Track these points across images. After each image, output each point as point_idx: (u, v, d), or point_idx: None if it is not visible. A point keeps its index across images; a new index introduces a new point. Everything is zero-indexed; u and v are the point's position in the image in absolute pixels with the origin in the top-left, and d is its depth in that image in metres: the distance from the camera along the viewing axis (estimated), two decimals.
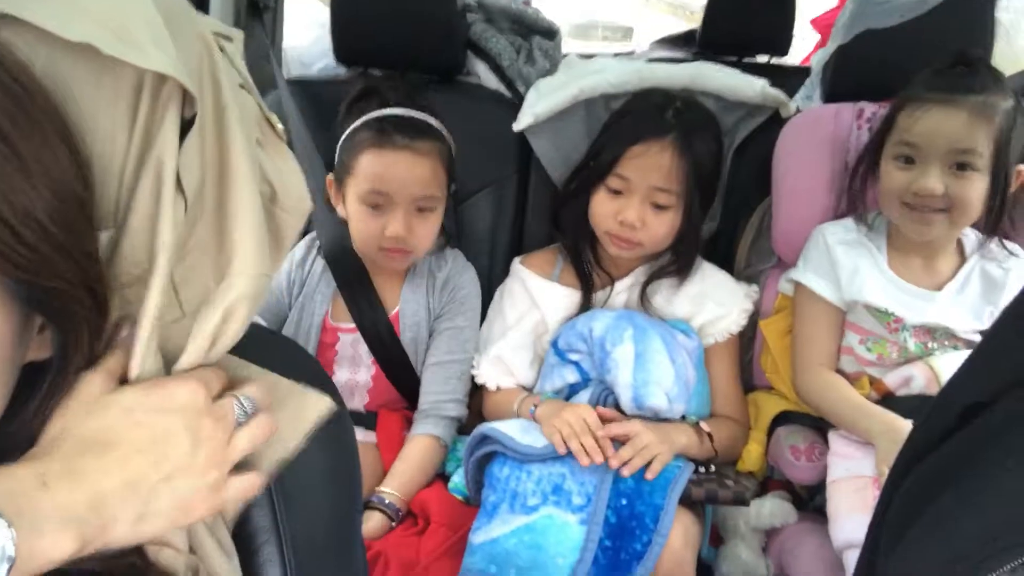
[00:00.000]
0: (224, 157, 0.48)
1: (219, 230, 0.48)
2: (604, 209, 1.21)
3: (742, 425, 1.23)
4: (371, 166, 1.18)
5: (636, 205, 1.18)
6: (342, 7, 1.47)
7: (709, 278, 1.27)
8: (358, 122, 1.21)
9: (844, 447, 1.11)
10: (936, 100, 1.08)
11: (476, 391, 1.32)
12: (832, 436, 1.13)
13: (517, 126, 1.40)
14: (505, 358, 1.25)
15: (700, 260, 1.28)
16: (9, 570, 0.34)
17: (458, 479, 1.18)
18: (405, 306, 1.28)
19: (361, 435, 1.26)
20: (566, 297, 1.27)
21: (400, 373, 1.27)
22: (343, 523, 0.63)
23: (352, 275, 1.27)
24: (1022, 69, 1.43)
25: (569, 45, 2.26)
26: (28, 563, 0.35)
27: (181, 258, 0.47)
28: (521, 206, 1.48)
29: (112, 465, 0.40)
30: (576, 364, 1.20)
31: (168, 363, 0.48)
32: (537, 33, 1.59)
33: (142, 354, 0.45)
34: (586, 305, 1.26)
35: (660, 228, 1.19)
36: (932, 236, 1.13)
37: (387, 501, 1.13)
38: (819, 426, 1.17)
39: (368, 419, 1.28)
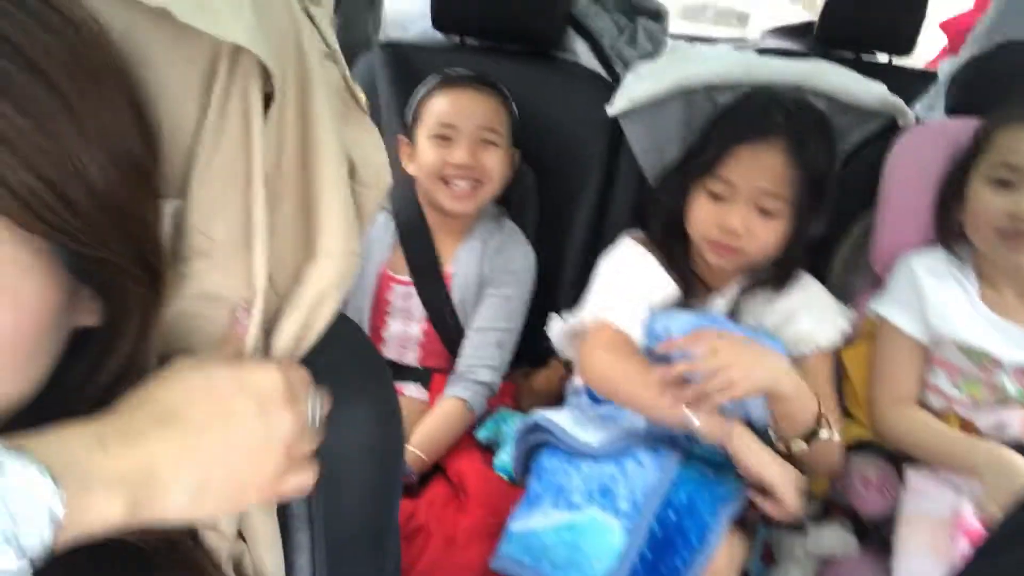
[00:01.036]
0: (307, 134, 0.47)
1: (305, 208, 0.48)
2: (705, 215, 1.11)
3: (839, 420, 1.10)
4: (438, 104, 1.28)
5: (741, 210, 1.08)
6: None
7: (807, 291, 1.17)
8: (427, 81, 1.31)
9: (922, 483, 1.04)
10: None
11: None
12: (909, 471, 1.06)
13: (612, 110, 1.35)
14: (634, 305, 1.13)
15: (800, 274, 1.18)
16: (55, 532, 0.33)
17: (506, 457, 1.17)
18: (457, 266, 1.32)
19: (416, 391, 1.30)
20: (668, 288, 1.17)
21: (449, 331, 1.31)
22: (380, 511, 0.62)
23: (414, 228, 1.32)
24: None
25: (677, 25, 2.17)
26: (76, 525, 0.34)
27: (272, 235, 0.46)
28: (604, 192, 1.43)
29: (175, 434, 0.39)
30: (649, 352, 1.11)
31: (263, 348, 0.47)
32: (644, 14, 1.53)
33: (254, 338, 0.45)
34: (683, 307, 1.18)
35: (766, 236, 1.09)
36: None
37: (410, 471, 1.14)
38: (894, 459, 1.10)
39: (423, 375, 1.31)
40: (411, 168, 1.29)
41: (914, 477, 1.06)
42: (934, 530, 0.99)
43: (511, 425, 1.24)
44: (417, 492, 1.16)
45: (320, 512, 0.56)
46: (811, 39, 2.15)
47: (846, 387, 1.20)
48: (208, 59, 0.41)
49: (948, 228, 1.13)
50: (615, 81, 1.44)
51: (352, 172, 0.52)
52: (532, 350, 1.44)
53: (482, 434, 1.25)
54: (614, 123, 1.38)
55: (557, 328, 1.23)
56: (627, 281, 1.17)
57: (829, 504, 1.18)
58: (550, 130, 1.43)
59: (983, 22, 1.25)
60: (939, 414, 1.11)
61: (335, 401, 0.60)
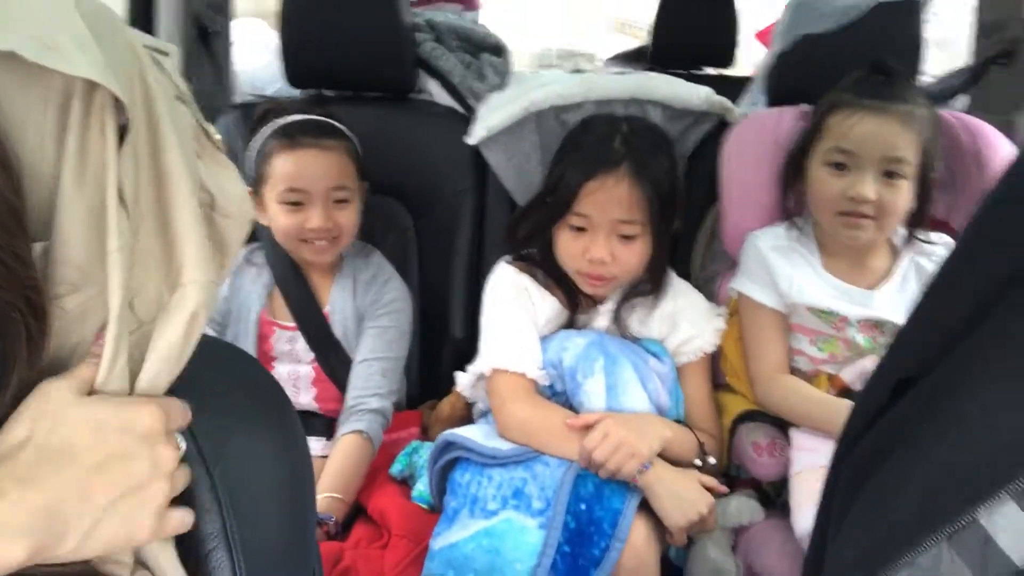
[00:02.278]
0: (160, 166, 0.49)
1: (164, 239, 0.49)
2: (571, 249, 1.17)
3: (717, 440, 1.23)
4: (284, 167, 1.25)
5: (602, 241, 1.14)
6: (290, 30, 1.48)
7: (682, 297, 1.26)
8: (266, 132, 1.28)
9: (806, 441, 1.13)
10: (869, 107, 1.12)
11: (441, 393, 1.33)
12: (793, 431, 1.15)
13: (471, 140, 1.42)
14: (526, 345, 1.18)
15: (672, 277, 1.27)
16: None
17: (423, 487, 1.18)
18: (333, 305, 1.34)
19: (318, 447, 1.29)
20: (552, 307, 1.23)
21: (337, 368, 1.32)
22: (296, 530, 0.62)
23: (289, 275, 1.33)
24: (938, 77, 1.49)
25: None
26: None
27: (130, 267, 0.48)
28: (480, 218, 1.49)
29: (71, 478, 0.40)
30: (550, 386, 1.18)
31: (131, 375, 0.48)
32: (485, 50, 1.62)
33: (110, 361, 0.45)
34: (571, 323, 1.24)
35: (631, 258, 1.16)
36: (863, 241, 1.16)
37: (331, 518, 1.13)
38: (780, 423, 1.19)
39: (323, 427, 1.31)
40: (263, 220, 1.30)
41: (798, 436, 1.15)
42: (820, 479, 1.06)
43: (423, 456, 1.25)
44: (342, 537, 1.16)
45: (237, 539, 0.57)
46: (646, 63, 2.33)
47: (725, 365, 1.29)
48: (62, 97, 0.43)
49: (789, 204, 1.25)
50: (470, 114, 1.51)
51: (213, 204, 0.54)
52: (435, 382, 1.47)
53: (396, 469, 1.26)
54: (476, 152, 1.45)
55: (464, 381, 1.27)
56: (512, 318, 1.21)
57: (732, 479, 1.26)
58: (417, 167, 1.48)
59: (782, 22, 1.40)
60: (809, 375, 1.21)
61: (240, 434, 0.61)
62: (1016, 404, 0.46)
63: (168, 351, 0.48)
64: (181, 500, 0.54)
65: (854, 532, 0.54)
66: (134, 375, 0.48)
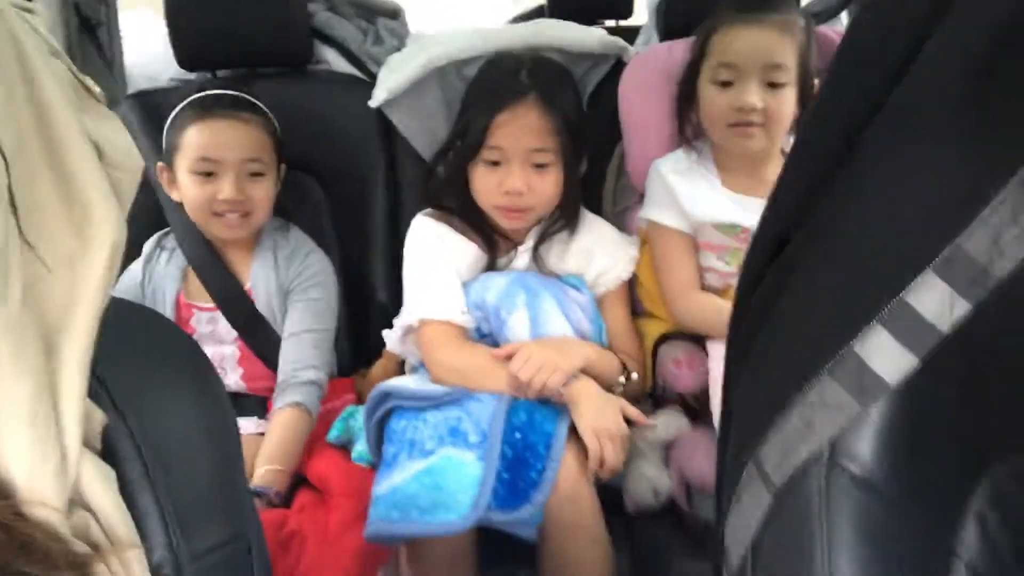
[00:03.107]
0: (45, 117, 0.50)
1: (61, 186, 0.50)
2: (486, 184, 1.20)
3: (639, 362, 1.28)
4: (197, 136, 1.24)
5: (517, 171, 1.17)
6: (176, 13, 1.45)
7: (595, 231, 1.31)
8: (180, 105, 1.26)
9: (722, 351, 1.17)
10: (746, 20, 1.17)
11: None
12: (710, 344, 1.21)
13: (373, 102, 1.42)
14: (449, 292, 1.19)
15: (585, 213, 1.31)
16: None
17: (361, 447, 1.19)
18: (255, 281, 1.33)
19: (252, 425, 1.28)
20: (471, 253, 1.25)
21: (264, 345, 1.31)
22: (223, 478, 0.63)
23: (204, 255, 1.31)
24: None
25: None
26: None
27: (24, 216, 0.48)
28: (392, 181, 1.50)
29: None
30: (476, 328, 1.21)
31: (48, 323, 0.49)
32: (381, 15, 1.62)
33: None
34: (491, 267, 1.26)
35: (546, 187, 1.19)
36: (755, 149, 1.21)
37: (271, 489, 1.14)
38: (698, 339, 1.24)
39: (256, 406, 1.30)
40: (175, 196, 1.28)
41: (715, 347, 1.21)
42: None
43: (359, 419, 1.25)
44: (286, 504, 1.16)
45: (162, 485, 0.57)
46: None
47: (641, 292, 1.34)
48: None
49: (688, 130, 1.30)
50: (372, 79, 1.50)
51: (101, 156, 0.55)
52: (364, 349, 1.47)
53: (333, 435, 1.26)
54: (381, 116, 1.45)
55: (392, 337, 1.29)
56: (434, 266, 1.23)
57: (658, 399, 1.31)
58: (323, 138, 1.48)
59: None
60: (720, 290, 1.27)
61: (156, 383, 0.62)
62: (872, 238, 0.50)
63: (93, 288, 0.49)
64: (103, 449, 0.54)
65: (751, 387, 0.58)
66: (51, 323, 0.49)
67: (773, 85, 1.16)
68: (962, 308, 0.47)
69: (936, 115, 0.47)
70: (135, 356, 0.61)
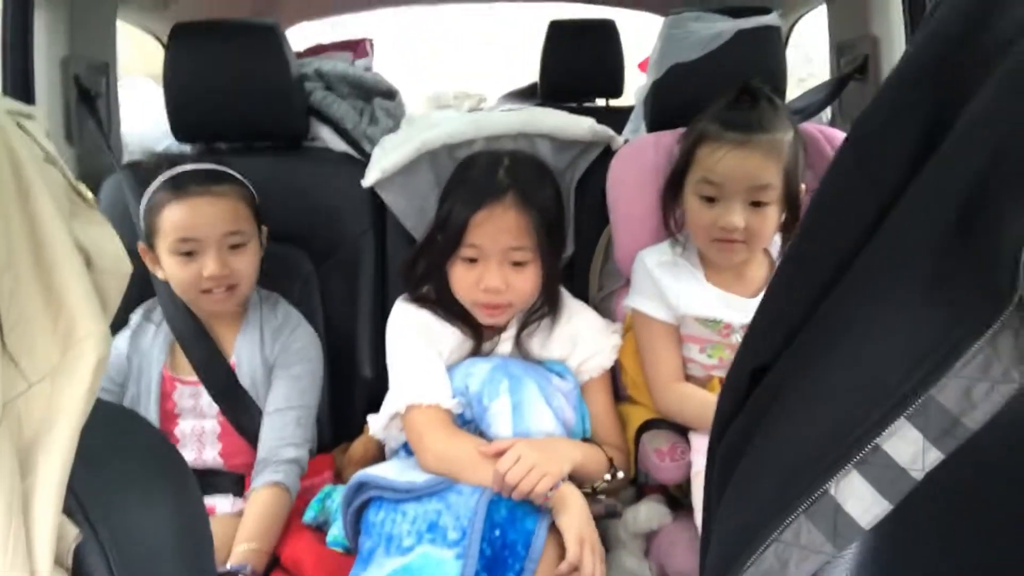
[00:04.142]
0: (35, 228, 0.51)
1: (48, 298, 0.51)
2: (465, 281, 1.21)
3: (623, 451, 1.28)
4: (174, 217, 1.23)
5: (495, 269, 1.18)
6: (175, 85, 1.48)
7: (577, 316, 1.31)
8: (154, 185, 1.26)
9: (704, 443, 1.16)
10: (733, 141, 1.19)
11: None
12: (692, 435, 1.21)
13: (366, 182, 1.45)
14: (435, 377, 1.20)
15: (567, 298, 1.32)
16: None
17: (337, 531, 1.17)
18: (239, 356, 1.32)
19: (227, 504, 1.26)
20: (454, 338, 1.26)
21: (245, 419, 1.30)
22: None
23: (189, 329, 1.30)
24: (802, 92, 1.61)
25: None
26: None
27: (9, 329, 0.48)
28: (381, 259, 1.51)
29: None
30: (460, 415, 1.20)
31: (25, 438, 0.48)
32: (378, 95, 1.65)
33: None
34: (475, 353, 1.26)
35: (525, 284, 1.20)
36: (737, 261, 1.24)
37: (247, 568, 1.11)
38: (680, 429, 1.24)
39: (232, 484, 1.28)
40: (160, 275, 1.28)
41: (697, 439, 1.21)
42: None
43: (336, 500, 1.24)
44: None
45: None
46: (538, 98, 2.42)
47: (625, 378, 1.34)
48: None
49: (672, 224, 1.32)
50: (366, 158, 1.53)
51: (90, 263, 0.55)
52: (346, 424, 1.46)
53: (309, 516, 1.24)
54: (374, 195, 1.47)
55: (377, 423, 1.26)
56: (419, 352, 1.23)
57: (640, 487, 1.30)
58: (315, 213, 1.49)
59: (655, 53, 1.49)
60: (703, 381, 1.27)
61: (127, 493, 0.61)
62: (849, 382, 0.51)
63: (75, 405, 0.49)
64: (73, 564, 0.54)
65: (728, 515, 0.58)
66: (29, 438, 0.49)
67: (757, 204, 1.19)
68: (934, 456, 0.47)
69: (913, 265, 0.49)
70: (110, 465, 0.61)
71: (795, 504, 0.51)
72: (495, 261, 1.19)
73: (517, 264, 1.19)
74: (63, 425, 0.50)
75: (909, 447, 0.48)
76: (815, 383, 0.53)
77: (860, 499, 0.49)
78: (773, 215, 1.20)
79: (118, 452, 0.63)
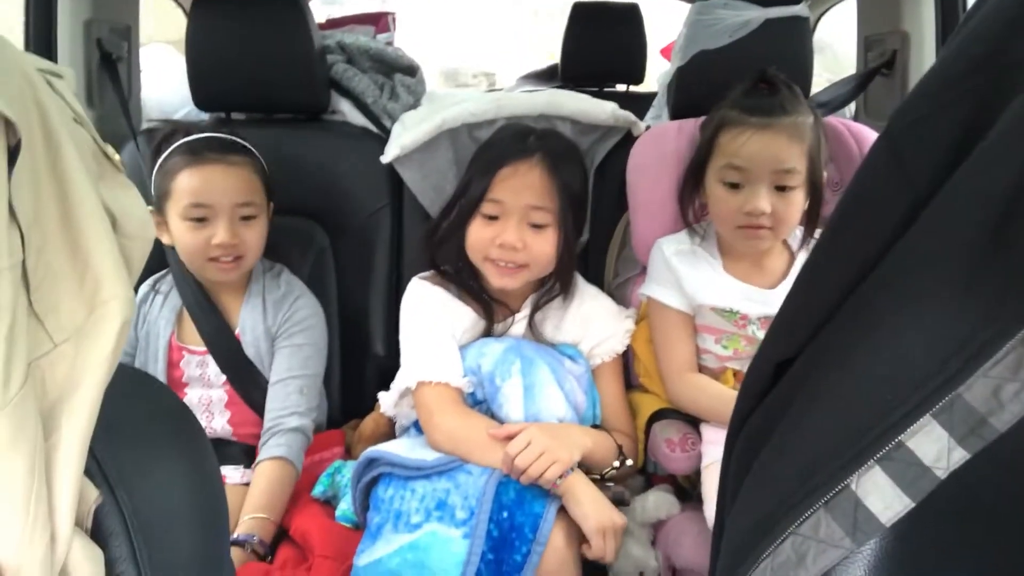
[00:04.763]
0: (64, 187, 0.50)
1: (74, 258, 0.51)
2: (482, 235, 1.20)
3: (632, 438, 1.28)
4: (188, 182, 1.23)
5: (514, 226, 1.18)
6: (197, 53, 1.47)
7: (590, 300, 1.31)
8: (169, 149, 1.26)
9: (715, 434, 1.17)
10: (756, 125, 1.18)
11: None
12: (704, 426, 1.20)
13: (385, 158, 1.44)
14: (447, 355, 1.20)
15: (580, 282, 1.32)
16: None
17: (346, 506, 1.17)
18: (244, 326, 1.33)
19: (236, 475, 1.27)
20: (468, 318, 1.26)
21: (251, 391, 1.31)
22: (209, 552, 0.62)
23: (197, 298, 1.31)
24: (828, 86, 1.59)
25: (439, 87, 2.34)
26: None
27: (35, 287, 0.48)
28: (397, 236, 1.51)
29: None
30: (471, 394, 1.20)
31: (49, 398, 0.49)
32: (399, 71, 1.64)
33: (1, 384, 0.45)
34: (488, 333, 1.26)
35: (541, 247, 1.19)
36: (763, 248, 1.23)
37: (254, 537, 1.12)
38: (691, 419, 1.24)
39: (241, 454, 1.29)
40: (166, 240, 1.28)
41: (708, 430, 1.20)
42: None
43: (346, 475, 1.24)
44: (269, 559, 1.14)
45: (147, 563, 0.57)
46: (557, 80, 2.40)
47: (638, 366, 1.34)
48: None
49: (692, 214, 1.31)
50: (385, 133, 1.52)
51: (115, 225, 0.55)
52: (357, 401, 1.47)
53: (319, 490, 1.25)
54: (391, 171, 1.46)
55: (388, 399, 1.28)
56: (432, 330, 1.23)
57: (649, 476, 1.30)
58: (332, 188, 1.49)
59: (680, 39, 1.47)
60: (716, 372, 1.27)
61: (146, 457, 0.62)
62: (875, 377, 0.50)
63: (99, 366, 0.50)
64: (93, 525, 0.54)
65: (745, 507, 0.58)
66: (55, 397, 0.49)
67: (782, 188, 1.17)
68: (959, 456, 0.47)
69: (947, 264, 0.48)
70: (129, 428, 0.61)
71: (815, 497, 0.51)
72: (515, 219, 1.18)
73: (536, 227, 1.19)
74: (87, 386, 0.50)
75: (934, 445, 0.47)
76: (840, 377, 0.52)
77: (882, 495, 0.49)
78: (798, 200, 1.19)
79: (136, 416, 0.63)
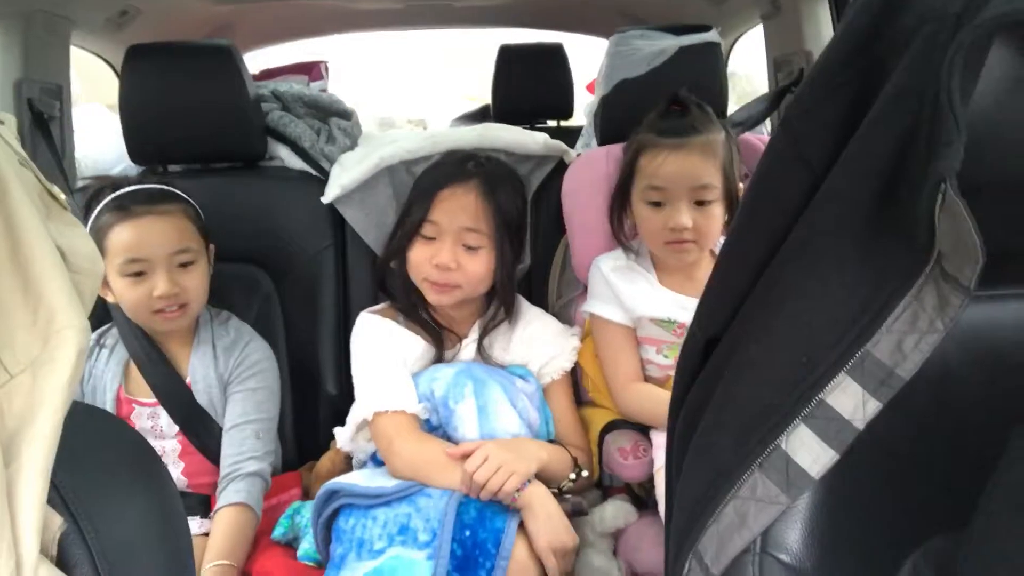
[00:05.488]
0: (12, 224, 0.52)
1: (26, 293, 0.52)
2: (419, 256, 1.25)
3: (586, 451, 1.31)
4: (121, 238, 1.23)
5: (448, 247, 1.23)
6: (131, 105, 1.48)
7: (536, 321, 1.35)
8: (97, 208, 1.26)
9: (665, 439, 1.21)
10: (670, 146, 1.25)
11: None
12: (653, 433, 1.24)
13: (325, 198, 1.47)
14: (400, 383, 1.22)
15: (523, 304, 1.36)
16: None
17: (308, 545, 1.17)
18: (194, 374, 1.32)
19: (195, 526, 1.26)
20: (418, 346, 1.28)
21: (205, 438, 1.30)
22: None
23: (144, 350, 1.30)
24: (743, 105, 1.69)
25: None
26: None
27: None
28: (342, 274, 1.53)
29: None
30: (427, 420, 1.22)
31: (8, 428, 0.50)
32: (334, 115, 1.68)
33: None
34: (438, 360, 1.29)
35: (475, 267, 1.24)
36: (690, 260, 1.29)
37: None
38: (642, 428, 1.28)
39: (198, 505, 1.28)
40: (109, 298, 1.27)
41: (658, 436, 1.24)
42: None
43: (305, 516, 1.24)
44: None
45: None
46: (490, 120, 2.47)
47: (586, 382, 1.38)
48: None
49: (622, 233, 1.37)
50: (324, 176, 1.55)
51: (64, 261, 0.57)
52: (311, 442, 1.46)
53: (279, 532, 1.24)
54: (332, 211, 1.49)
55: (344, 435, 1.29)
56: (383, 360, 1.25)
57: (606, 489, 1.33)
58: (274, 232, 1.51)
59: (602, 70, 1.55)
60: (661, 381, 1.31)
61: (108, 487, 0.62)
62: (792, 344, 0.55)
63: (57, 393, 0.51)
64: (59, 555, 0.55)
65: (689, 480, 0.62)
66: (8, 426, 0.50)
67: (701, 203, 1.24)
68: (873, 406, 0.51)
69: (843, 232, 0.53)
70: (89, 460, 0.62)
71: (750, 460, 0.55)
72: (450, 239, 1.23)
73: (470, 248, 1.24)
74: (46, 413, 0.52)
75: (850, 399, 0.52)
76: (761, 348, 0.57)
77: (809, 450, 0.53)
78: (718, 213, 1.25)
79: (96, 448, 0.64)
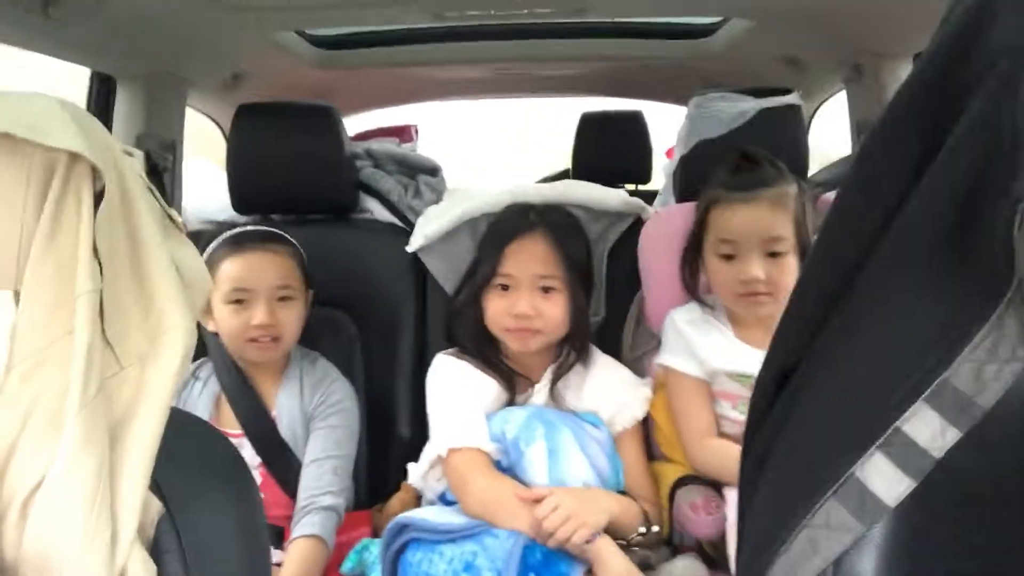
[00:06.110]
0: (134, 228, 0.58)
1: (140, 295, 0.58)
2: (497, 307, 1.29)
3: (656, 505, 1.29)
4: (230, 269, 1.33)
5: (525, 295, 1.26)
6: (239, 159, 1.60)
7: (609, 370, 1.36)
8: (215, 243, 1.36)
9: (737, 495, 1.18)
10: (740, 199, 1.27)
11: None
12: (727, 490, 1.22)
13: (410, 248, 1.53)
14: (475, 421, 1.24)
15: (596, 352, 1.37)
16: None
17: None
18: (280, 409, 1.37)
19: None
20: (492, 389, 1.31)
21: (285, 471, 1.34)
22: (256, 573, 0.66)
23: (235, 382, 1.36)
24: (827, 165, 1.69)
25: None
26: None
27: (110, 318, 0.55)
28: (421, 320, 1.58)
29: None
30: (497, 462, 1.24)
31: (114, 415, 0.54)
32: (422, 172, 1.76)
33: (80, 393, 0.51)
34: (510, 404, 1.31)
35: (553, 311, 1.27)
36: (765, 314, 1.28)
37: None
38: (715, 484, 1.25)
39: (271, 534, 1.29)
40: (211, 327, 1.35)
41: (731, 493, 1.21)
42: None
43: (374, 552, 1.26)
44: None
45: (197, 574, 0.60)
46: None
47: (659, 436, 1.37)
48: (44, 172, 0.52)
49: (695, 289, 1.38)
50: (410, 228, 1.62)
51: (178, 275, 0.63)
52: (383, 483, 1.49)
53: (347, 567, 1.26)
54: (416, 260, 1.56)
55: (417, 471, 1.32)
56: (458, 399, 1.29)
57: (676, 548, 1.30)
58: (360, 278, 1.58)
59: (683, 130, 1.59)
60: (736, 438, 1.29)
61: (201, 484, 0.67)
62: (869, 373, 0.55)
63: (163, 385, 0.56)
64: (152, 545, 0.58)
65: (760, 511, 0.61)
66: (115, 413, 0.54)
67: (774, 255, 1.24)
68: (952, 435, 0.51)
69: (919, 261, 0.54)
70: (188, 460, 0.66)
71: (824, 489, 0.54)
72: (525, 288, 1.27)
73: (546, 290, 1.27)
74: (151, 404, 0.56)
75: (928, 428, 0.51)
76: (837, 376, 0.57)
77: (884, 478, 0.52)
78: (791, 264, 1.25)
79: (195, 451, 0.68)
